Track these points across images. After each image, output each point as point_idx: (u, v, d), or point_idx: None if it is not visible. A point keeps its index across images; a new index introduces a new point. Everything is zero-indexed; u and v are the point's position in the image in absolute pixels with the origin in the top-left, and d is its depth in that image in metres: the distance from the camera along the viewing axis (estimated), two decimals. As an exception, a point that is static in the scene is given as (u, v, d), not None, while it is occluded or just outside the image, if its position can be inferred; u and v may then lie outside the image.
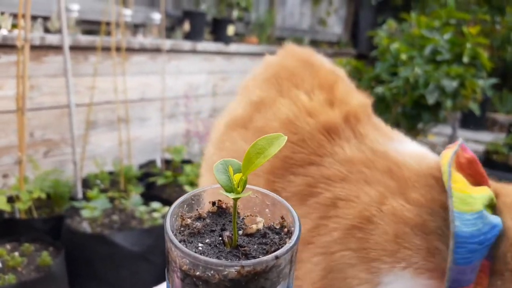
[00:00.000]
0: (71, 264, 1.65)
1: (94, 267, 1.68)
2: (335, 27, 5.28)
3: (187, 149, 2.77)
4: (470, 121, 5.78)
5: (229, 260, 0.29)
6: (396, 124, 3.48)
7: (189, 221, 0.33)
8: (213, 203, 0.36)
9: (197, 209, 0.35)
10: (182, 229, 0.33)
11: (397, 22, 3.38)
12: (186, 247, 0.30)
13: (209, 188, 0.36)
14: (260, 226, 0.34)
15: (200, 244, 0.31)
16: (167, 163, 2.67)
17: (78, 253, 1.68)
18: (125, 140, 2.41)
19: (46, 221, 1.84)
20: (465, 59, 2.51)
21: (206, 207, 0.36)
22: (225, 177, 0.32)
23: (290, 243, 0.30)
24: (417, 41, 2.77)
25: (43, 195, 1.85)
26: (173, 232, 0.31)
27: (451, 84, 2.36)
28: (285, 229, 0.33)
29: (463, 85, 2.46)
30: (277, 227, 0.34)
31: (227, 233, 0.32)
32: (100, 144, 2.45)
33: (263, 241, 0.32)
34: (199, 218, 0.34)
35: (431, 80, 2.40)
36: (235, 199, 0.32)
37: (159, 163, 2.63)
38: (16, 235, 1.72)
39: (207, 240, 0.32)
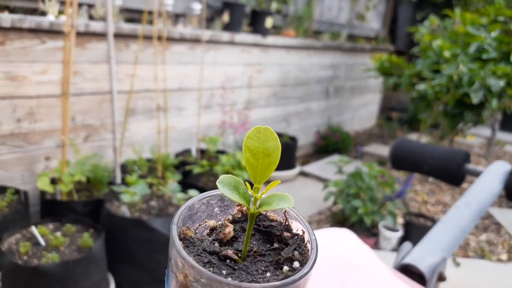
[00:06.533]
0: (109, 247, 1.69)
1: (131, 251, 1.71)
2: (373, 23, 5.18)
3: (221, 139, 2.78)
4: (510, 123, 5.59)
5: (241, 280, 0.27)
6: (436, 123, 3.39)
7: (195, 235, 0.31)
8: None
9: (205, 221, 0.33)
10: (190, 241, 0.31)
11: (438, 19, 3.28)
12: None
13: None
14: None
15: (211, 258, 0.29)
16: (202, 152, 2.69)
17: (116, 237, 1.71)
18: (163, 129, 2.44)
19: (86, 204, 1.88)
20: (513, 58, 2.41)
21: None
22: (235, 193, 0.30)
23: (305, 268, 0.27)
24: (461, 38, 2.68)
25: (84, 179, 1.90)
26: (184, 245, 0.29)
27: (497, 83, 2.27)
28: (296, 237, 0.32)
29: (509, 85, 2.37)
30: (288, 235, 0.32)
31: (233, 250, 0.30)
32: (138, 131, 2.49)
33: (274, 253, 0.30)
34: (212, 229, 0.32)
35: (476, 78, 2.32)
36: (252, 215, 0.30)
37: (194, 152, 2.65)
38: (57, 216, 1.77)
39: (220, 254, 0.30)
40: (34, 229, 1.56)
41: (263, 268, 0.29)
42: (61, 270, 1.39)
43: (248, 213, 0.30)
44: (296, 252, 0.30)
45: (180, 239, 0.30)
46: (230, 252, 0.29)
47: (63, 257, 1.47)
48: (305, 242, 0.31)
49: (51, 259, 1.42)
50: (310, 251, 0.29)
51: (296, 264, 0.29)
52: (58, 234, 1.61)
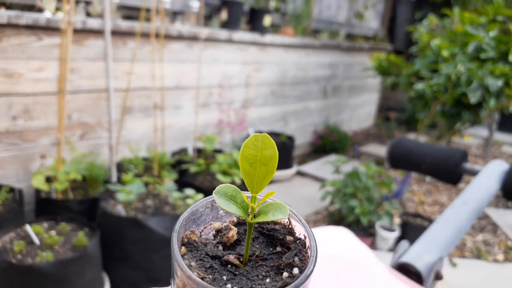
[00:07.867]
0: (104, 246, 1.68)
1: (127, 250, 1.70)
2: (372, 22, 5.17)
3: (218, 138, 2.77)
4: (507, 124, 5.59)
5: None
6: (434, 123, 3.39)
7: (199, 239, 0.31)
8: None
9: (210, 223, 0.33)
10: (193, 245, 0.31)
11: (437, 18, 3.28)
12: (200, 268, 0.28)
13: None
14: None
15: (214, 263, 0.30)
16: (199, 151, 2.68)
17: (112, 236, 1.70)
18: (159, 127, 2.43)
19: (81, 203, 1.87)
20: (511, 58, 2.40)
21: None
22: (233, 205, 0.29)
23: (302, 278, 0.27)
24: (459, 37, 2.67)
25: (79, 177, 1.88)
26: (183, 256, 0.29)
27: (495, 83, 2.27)
28: (298, 241, 0.32)
29: (507, 85, 2.37)
30: (291, 239, 0.32)
31: (234, 255, 0.30)
32: (135, 130, 2.47)
33: (276, 257, 0.31)
34: (218, 231, 0.33)
35: (474, 78, 2.32)
36: (250, 224, 0.30)
37: (190, 151, 2.64)
38: (52, 215, 1.76)
39: (221, 259, 0.30)
40: (28, 228, 1.55)
41: (263, 273, 0.29)
42: (55, 269, 1.38)
43: (246, 222, 0.30)
44: (296, 258, 0.30)
45: (184, 244, 0.30)
46: (231, 257, 0.30)
47: (58, 256, 1.45)
48: (306, 247, 0.31)
49: (45, 258, 1.41)
50: (309, 258, 0.29)
51: (295, 270, 0.29)
52: (53, 232, 1.60)
